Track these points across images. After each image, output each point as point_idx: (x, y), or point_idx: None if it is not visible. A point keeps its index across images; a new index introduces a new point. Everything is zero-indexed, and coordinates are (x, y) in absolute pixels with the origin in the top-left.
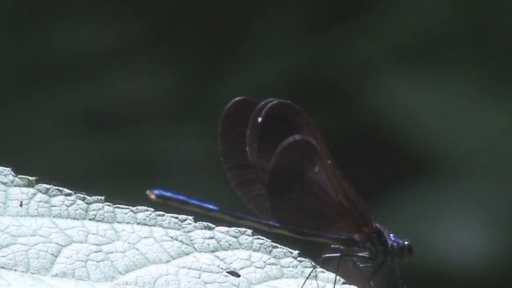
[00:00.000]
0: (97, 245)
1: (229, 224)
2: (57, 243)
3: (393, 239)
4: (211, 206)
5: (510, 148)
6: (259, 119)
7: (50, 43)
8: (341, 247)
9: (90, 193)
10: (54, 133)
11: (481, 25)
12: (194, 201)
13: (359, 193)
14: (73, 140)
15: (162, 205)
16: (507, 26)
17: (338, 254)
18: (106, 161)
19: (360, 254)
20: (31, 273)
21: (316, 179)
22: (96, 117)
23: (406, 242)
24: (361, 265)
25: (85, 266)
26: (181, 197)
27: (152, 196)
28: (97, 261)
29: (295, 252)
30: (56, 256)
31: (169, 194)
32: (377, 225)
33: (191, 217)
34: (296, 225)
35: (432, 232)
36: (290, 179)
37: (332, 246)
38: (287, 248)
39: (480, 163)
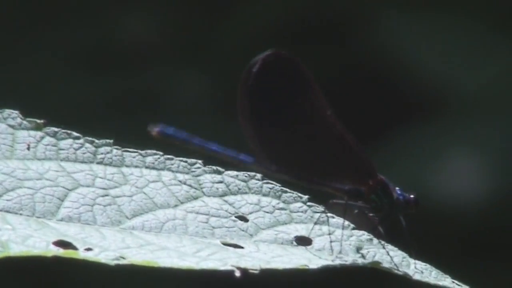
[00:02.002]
0: (104, 189)
1: (238, 168)
2: (63, 187)
3: (399, 192)
4: (213, 147)
5: None
6: (254, 69)
7: None
8: (346, 198)
9: (96, 134)
10: (59, 72)
11: None
12: (196, 141)
13: (361, 142)
14: (78, 80)
15: (170, 147)
16: None
17: (346, 201)
18: (111, 100)
19: (366, 206)
20: (37, 217)
21: (312, 122)
22: (101, 56)
23: (412, 196)
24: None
25: (91, 211)
26: (183, 135)
27: (154, 133)
28: (104, 206)
29: (305, 197)
30: (62, 200)
31: (171, 131)
32: (382, 177)
33: (200, 161)
34: (299, 171)
35: (435, 173)
36: (278, 107)
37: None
38: (296, 193)
39: (483, 104)
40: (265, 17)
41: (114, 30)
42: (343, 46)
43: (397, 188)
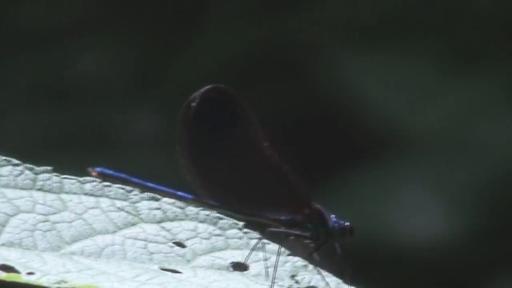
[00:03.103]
0: (44, 215)
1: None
2: (4, 213)
3: (334, 220)
4: (151, 184)
5: (465, 127)
6: (193, 104)
7: (8, 16)
8: (283, 228)
9: (39, 165)
10: (8, 106)
11: (439, 0)
12: (135, 180)
13: (305, 173)
14: (27, 114)
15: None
16: (465, 2)
17: (282, 230)
18: (59, 135)
19: (302, 234)
20: None
21: (249, 155)
22: (51, 91)
23: (347, 223)
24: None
25: (32, 236)
26: (122, 175)
27: (94, 174)
28: (44, 231)
29: (241, 224)
30: (3, 226)
31: (110, 172)
32: (318, 206)
33: (137, 188)
34: (235, 205)
35: (388, 212)
36: (214, 143)
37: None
38: (232, 219)
39: (436, 142)
40: (219, 54)
41: (67, 65)
42: (295, 83)
43: (332, 216)
